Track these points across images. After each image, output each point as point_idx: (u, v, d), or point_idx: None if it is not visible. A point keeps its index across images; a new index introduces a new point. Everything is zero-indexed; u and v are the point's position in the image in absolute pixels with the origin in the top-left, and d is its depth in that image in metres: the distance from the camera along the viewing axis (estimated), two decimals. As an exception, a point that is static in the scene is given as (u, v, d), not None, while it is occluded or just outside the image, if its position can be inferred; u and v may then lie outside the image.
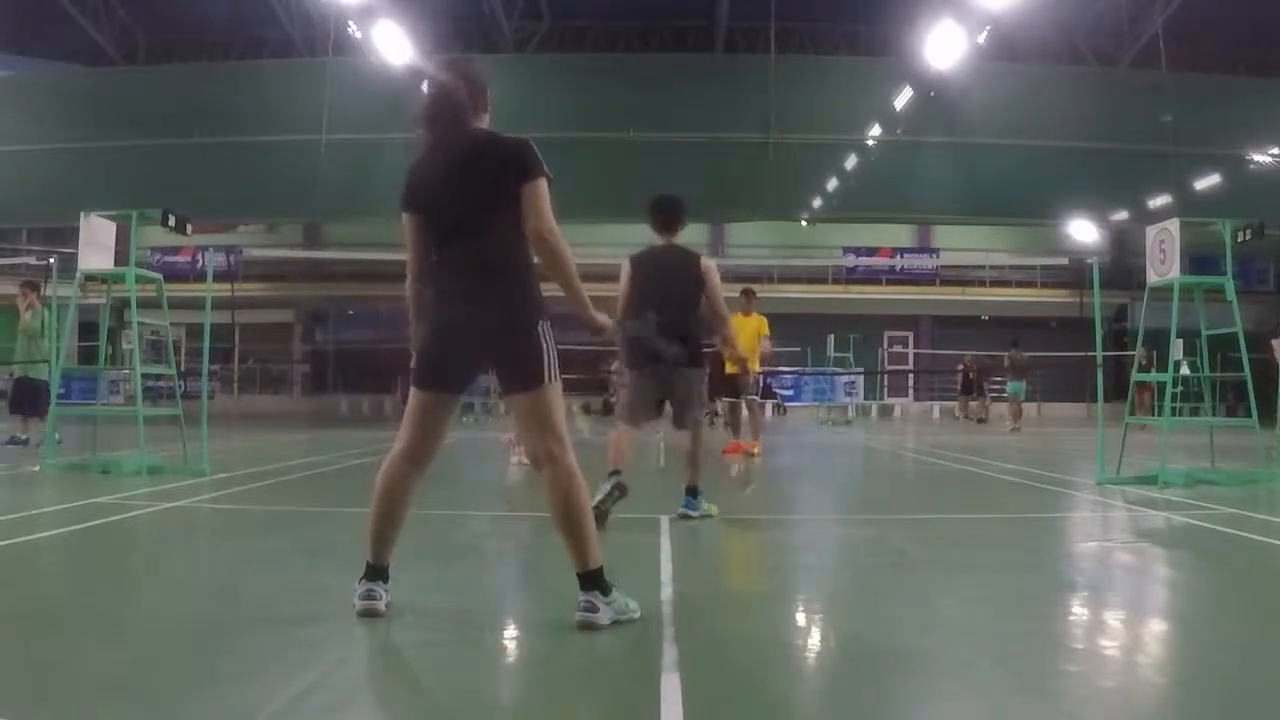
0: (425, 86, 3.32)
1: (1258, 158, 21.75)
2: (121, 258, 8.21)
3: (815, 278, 29.91)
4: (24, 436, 10.79)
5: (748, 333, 10.41)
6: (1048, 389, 27.45)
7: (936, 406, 28.01)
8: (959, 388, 24.43)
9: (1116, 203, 22.95)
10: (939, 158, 21.84)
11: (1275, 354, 11.44)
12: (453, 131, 3.19)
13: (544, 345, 3.12)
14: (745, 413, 10.92)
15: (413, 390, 3.26)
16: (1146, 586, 4.19)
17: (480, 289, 3.11)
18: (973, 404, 22.98)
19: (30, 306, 11.34)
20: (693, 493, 5.64)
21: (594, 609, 3.06)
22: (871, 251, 30.54)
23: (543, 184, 3.11)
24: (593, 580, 3.09)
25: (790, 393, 28.64)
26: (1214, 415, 8.66)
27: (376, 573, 3.23)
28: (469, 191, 3.12)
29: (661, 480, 8.98)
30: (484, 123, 3.28)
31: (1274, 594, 4.01)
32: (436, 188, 3.17)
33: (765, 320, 10.87)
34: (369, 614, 3.14)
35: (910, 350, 31.48)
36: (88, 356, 17.05)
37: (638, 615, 3.15)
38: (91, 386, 17.08)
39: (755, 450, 10.60)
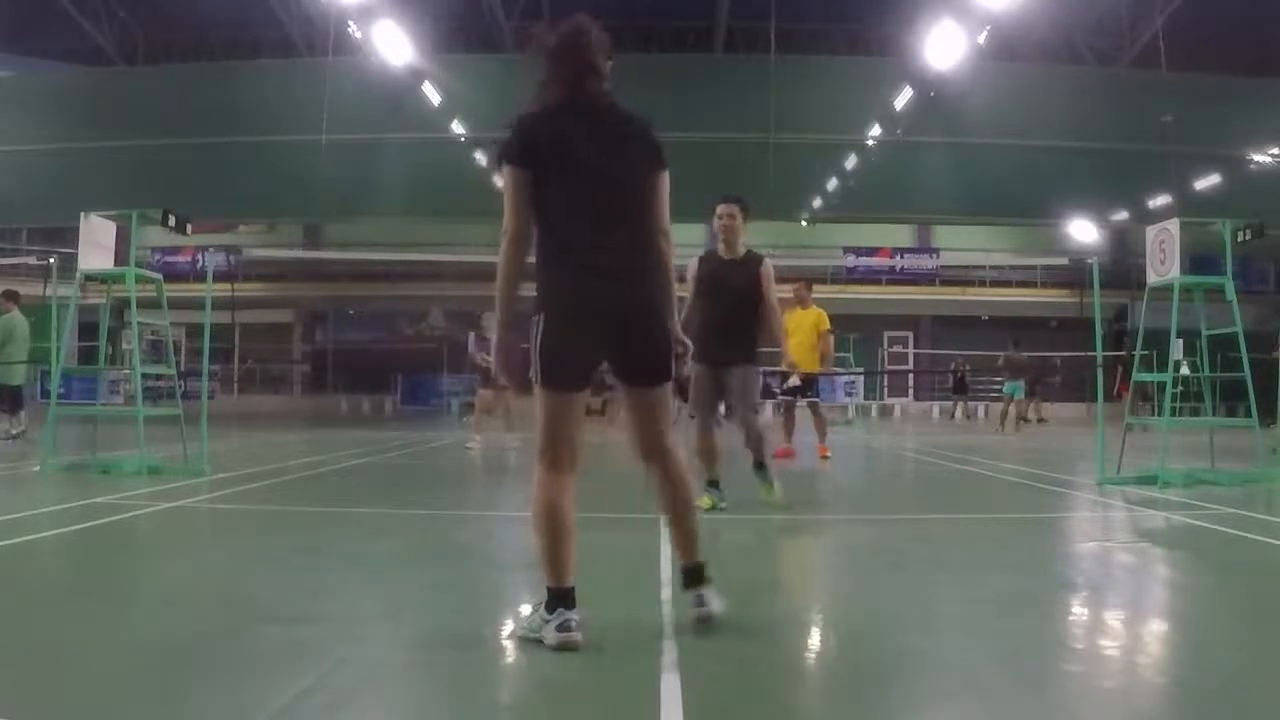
0: (555, 35, 3.03)
1: (1258, 158, 21.75)
2: (121, 258, 8.20)
3: (815, 278, 29.91)
4: (14, 432, 11.06)
5: (805, 329, 10.20)
6: (1048, 389, 27.44)
7: (936, 407, 28.01)
8: (952, 388, 24.39)
9: (1116, 203, 22.95)
10: (939, 158, 21.85)
11: None
12: (588, 86, 2.97)
13: (672, 339, 3.05)
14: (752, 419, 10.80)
15: (548, 395, 2.91)
16: (1146, 586, 4.18)
17: (632, 271, 2.95)
18: (1020, 403, 21.62)
19: (5, 311, 11.70)
20: (761, 467, 6.05)
21: (709, 602, 3.05)
22: (871, 251, 30.54)
23: (667, 177, 3.04)
24: (700, 574, 3.09)
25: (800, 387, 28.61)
26: (1214, 415, 8.65)
27: (564, 597, 2.84)
28: (629, 169, 2.97)
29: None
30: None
31: (1274, 594, 4.01)
32: (576, 147, 2.92)
33: (825, 314, 10.44)
34: (568, 646, 2.79)
35: (910, 350, 31.49)
36: (88, 356, 17.03)
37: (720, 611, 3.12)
38: (91, 386, 17.09)
39: (825, 453, 10.26)
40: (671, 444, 3.08)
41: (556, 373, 2.90)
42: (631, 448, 3.11)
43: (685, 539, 3.10)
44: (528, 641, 2.89)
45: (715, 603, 3.06)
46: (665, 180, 3.04)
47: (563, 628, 2.80)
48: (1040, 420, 21.92)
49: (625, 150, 3.00)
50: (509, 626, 3.36)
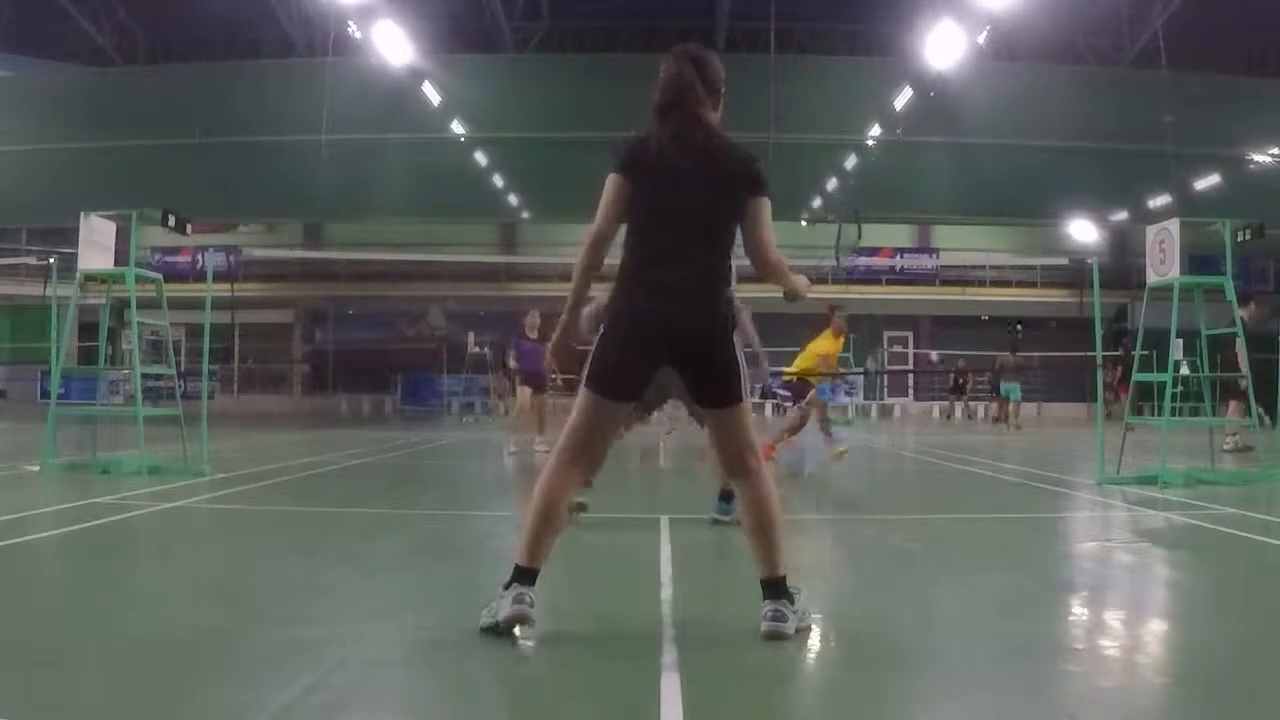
0: (663, 74, 3.10)
1: (1258, 158, 21.75)
2: (121, 258, 8.20)
3: (815, 278, 29.85)
4: None
5: (832, 354, 10.86)
6: (1048, 389, 27.44)
7: (936, 406, 28.01)
8: (950, 389, 24.37)
9: (1116, 203, 22.96)
10: (939, 158, 21.84)
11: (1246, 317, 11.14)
12: (691, 123, 3.04)
13: (740, 360, 3.07)
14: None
15: (592, 397, 3.01)
16: (1146, 586, 4.19)
17: (702, 295, 3.00)
18: (1015, 404, 21.31)
19: None
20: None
21: (783, 617, 2.97)
22: (872, 251, 30.52)
23: (768, 203, 3.08)
24: (779, 588, 3.03)
25: (789, 393, 28.60)
26: (1213, 415, 8.65)
27: (529, 575, 2.96)
28: (714, 196, 3.03)
29: (662, 480, 8.99)
30: (716, 120, 3.16)
31: (1274, 594, 4.01)
32: (676, 179, 3.01)
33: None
34: (520, 620, 2.91)
35: (910, 350, 31.48)
36: (88, 356, 17.04)
37: (818, 618, 3.15)
38: (91, 386, 17.09)
39: (770, 453, 9.77)
40: (754, 465, 3.08)
41: (604, 379, 3.01)
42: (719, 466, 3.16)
43: (762, 552, 3.06)
44: (490, 633, 2.94)
45: (790, 622, 2.97)
46: (763, 206, 3.07)
47: (518, 600, 2.90)
48: (995, 421, 21.37)
49: (716, 181, 3.05)
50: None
